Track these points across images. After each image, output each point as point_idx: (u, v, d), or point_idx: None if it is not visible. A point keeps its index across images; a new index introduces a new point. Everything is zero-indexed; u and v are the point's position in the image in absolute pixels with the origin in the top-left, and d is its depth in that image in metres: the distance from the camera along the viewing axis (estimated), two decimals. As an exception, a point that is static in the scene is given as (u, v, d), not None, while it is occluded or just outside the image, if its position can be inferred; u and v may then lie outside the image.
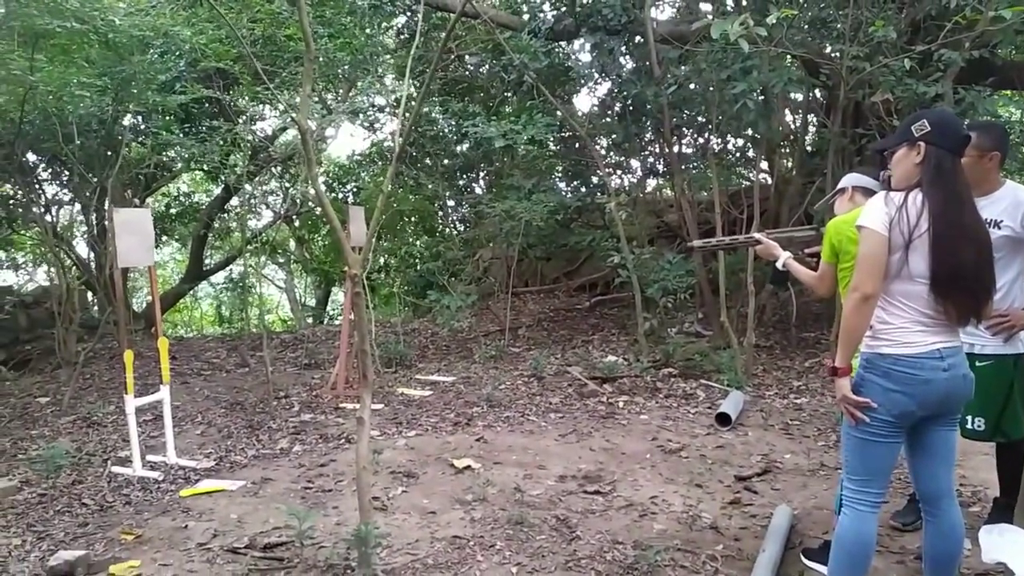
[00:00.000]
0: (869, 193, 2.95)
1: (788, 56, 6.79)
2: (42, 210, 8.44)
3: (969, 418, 3.01)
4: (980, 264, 2.29)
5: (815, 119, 8.65)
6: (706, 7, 8.62)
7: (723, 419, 5.29)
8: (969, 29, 5.40)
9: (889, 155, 2.48)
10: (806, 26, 6.87)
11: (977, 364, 2.87)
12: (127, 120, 7.94)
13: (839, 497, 2.55)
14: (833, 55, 6.94)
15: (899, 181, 2.42)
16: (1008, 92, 7.99)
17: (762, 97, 6.53)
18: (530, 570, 3.15)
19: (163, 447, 4.97)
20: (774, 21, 4.83)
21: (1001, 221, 2.89)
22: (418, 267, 10.79)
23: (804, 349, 7.53)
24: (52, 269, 9.05)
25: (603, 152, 9.51)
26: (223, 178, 9.04)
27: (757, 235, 3.35)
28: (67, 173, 8.64)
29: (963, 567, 2.90)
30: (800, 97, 8.44)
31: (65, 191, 9.32)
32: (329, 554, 3.29)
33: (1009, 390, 2.98)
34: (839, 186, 3.14)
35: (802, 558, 3.11)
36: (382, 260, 10.80)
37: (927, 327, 2.31)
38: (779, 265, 3.20)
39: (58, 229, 9.05)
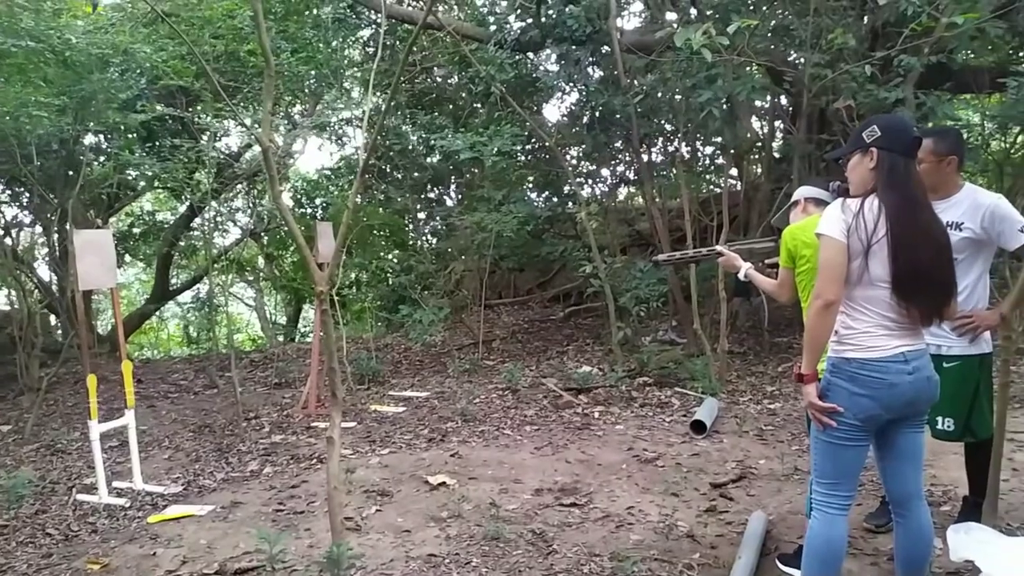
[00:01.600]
0: (821, 203, 3.01)
1: (752, 64, 6.87)
2: (2, 232, 8.26)
3: (939, 419, 3.04)
4: (939, 263, 2.31)
5: (782, 126, 8.76)
6: (671, 16, 8.72)
7: (698, 427, 5.29)
8: (927, 35, 5.51)
9: (844, 163, 2.51)
10: (769, 34, 6.96)
11: (944, 365, 2.90)
12: (88, 139, 7.81)
13: (810, 500, 2.55)
14: (796, 63, 7.04)
15: (856, 188, 2.44)
16: (967, 96, 8.15)
17: (727, 105, 6.60)
18: (506, 587, 3.11)
19: (129, 473, 4.85)
20: (735, 29, 4.88)
21: (962, 223, 2.92)
22: (390, 282, 10.71)
23: (777, 354, 7.59)
24: (13, 293, 8.84)
25: (573, 162, 9.54)
26: (187, 196, 8.91)
27: (719, 248, 3.45)
28: (27, 194, 8.48)
29: (934, 566, 2.91)
30: (767, 104, 8.55)
31: (25, 213, 9.15)
32: (301, 577, 3.22)
33: (976, 390, 3.01)
34: (792, 199, 3.19)
35: (777, 563, 3.11)
36: (353, 275, 10.71)
37: (891, 331, 2.32)
38: (741, 276, 3.27)
39: (19, 251, 8.87)
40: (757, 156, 9.48)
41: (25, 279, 8.46)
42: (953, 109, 6.49)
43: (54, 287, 8.92)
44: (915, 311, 2.31)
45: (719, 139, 8.07)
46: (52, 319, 9.97)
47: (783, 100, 8.36)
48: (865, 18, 6.71)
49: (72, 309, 6.67)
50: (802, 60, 6.63)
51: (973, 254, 2.96)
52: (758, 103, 8.29)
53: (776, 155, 8.80)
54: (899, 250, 2.26)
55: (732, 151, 8.37)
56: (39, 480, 4.96)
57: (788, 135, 7.95)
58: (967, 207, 2.94)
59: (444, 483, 4.46)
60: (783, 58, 7.18)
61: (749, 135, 8.95)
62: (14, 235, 8.99)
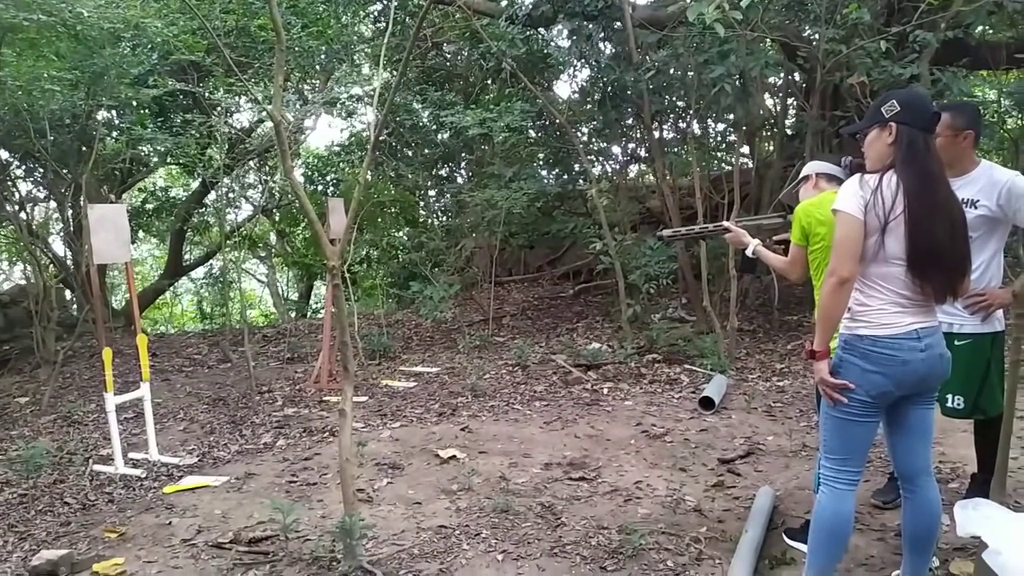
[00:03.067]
0: (833, 179, 2.97)
1: (766, 39, 6.80)
2: (17, 208, 8.32)
3: (949, 396, 3.06)
4: (956, 241, 2.30)
5: (795, 102, 8.68)
6: (684, -9, 8.61)
7: (707, 403, 5.32)
8: (943, 10, 5.43)
9: (861, 138, 2.49)
10: (783, 9, 6.88)
11: (956, 343, 2.90)
12: (101, 115, 7.83)
13: (818, 476, 2.57)
14: (811, 38, 6.96)
15: (873, 163, 2.42)
16: (983, 72, 8.05)
17: (740, 81, 6.54)
18: (515, 557, 3.16)
19: (145, 444, 4.93)
20: (748, 3, 4.83)
21: (977, 201, 2.91)
22: (400, 258, 10.74)
23: (787, 332, 7.58)
24: (28, 267, 8.94)
25: (584, 139, 9.49)
26: (199, 172, 8.95)
27: (726, 223, 3.37)
28: (41, 170, 8.52)
29: (941, 542, 2.94)
30: (779, 81, 8.46)
31: (39, 188, 9.20)
32: (314, 547, 3.28)
33: (987, 368, 3.02)
34: (802, 174, 3.15)
35: (784, 538, 3.14)
36: (364, 252, 10.74)
37: (904, 308, 2.32)
38: (749, 252, 3.21)
39: (33, 226, 8.93)
40: (769, 133, 9.39)
41: (40, 254, 8.52)
42: (969, 86, 6.41)
43: (69, 262, 8.99)
44: (929, 288, 2.30)
45: (731, 116, 8.00)
46: (67, 293, 10.06)
47: (796, 76, 8.27)
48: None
49: (87, 283, 6.73)
50: (816, 35, 6.55)
51: (988, 232, 2.94)
52: (771, 79, 8.21)
53: (788, 132, 8.72)
54: (916, 228, 2.24)
55: (744, 128, 8.30)
56: (56, 451, 5.04)
57: (801, 112, 7.87)
58: (983, 184, 2.92)
59: (454, 457, 4.51)
60: (797, 33, 7.10)
61: (761, 112, 8.87)
62: (29, 210, 9.05)
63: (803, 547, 2.87)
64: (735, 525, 3.34)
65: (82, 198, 7.60)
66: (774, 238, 3.28)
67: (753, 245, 3.20)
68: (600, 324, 8.71)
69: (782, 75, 8.11)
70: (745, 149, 9.37)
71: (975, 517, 2.55)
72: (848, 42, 6.00)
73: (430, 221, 11.40)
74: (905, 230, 2.25)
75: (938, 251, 2.27)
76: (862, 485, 2.99)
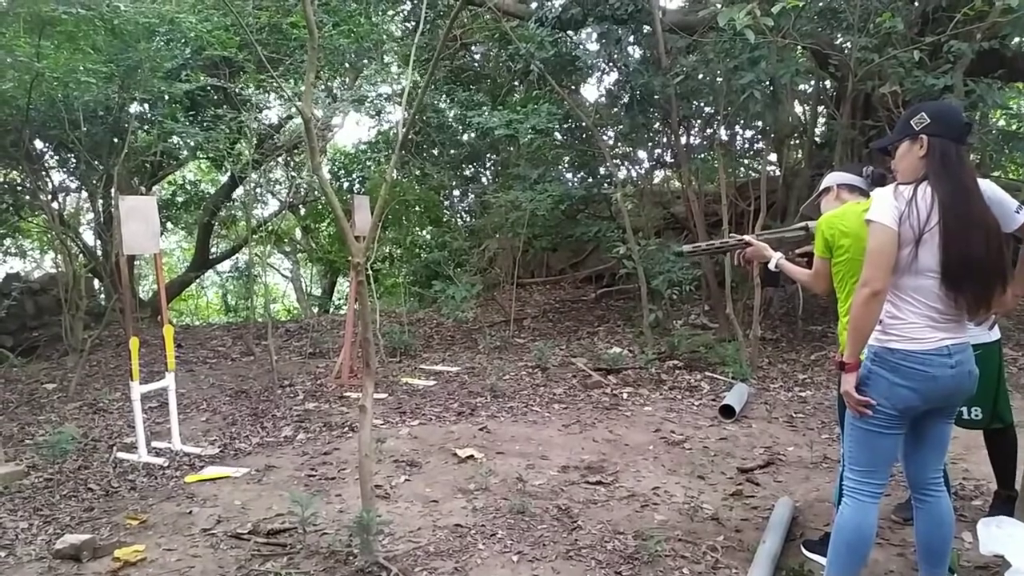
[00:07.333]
0: (855, 190, 2.93)
1: (797, 47, 6.74)
2: (49, 197, 8.46)
3: (965, 409, 3.08)
4: (991, 253, 2.26)
5: (825, 111, 8.60)
6: (715, -4, 8.57)
7: (727, 411, 5.29)
8: (979, 20, 5.36)
9: (892, 151, 2.46)
10: (815, 16, 6.82)
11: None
12: (133, 108, 7.95)
13: (838, 489, 2.54)
14: (843, 46, 6.89)
15: (904, 175, 2.39)
16: (1019, 85, 7.91)
17: (770, 88, 6.49)
18: (531, 559, 3.16)
19: (168, 434, 5.00)
20: (779, 10, 4.79)
21: None
22: (423, 257, 10.79)
23: (810, 342, 7.51)
24: (59, 256, 9.09)
25: (610, 143, 9.47)
26: (228, 166, 9.05)
27: (747, 237, 3.29)
28: (74, 160, 8.66)
29: (963, 560, 2.90)
30: (810, 88, 8.38)
31: (72, 178, 9.35)
32: (331, 541, 3.30)
33: (998, 376, 3.06)
34: (823, 185, 3.10)
35: (802, 550, 3.11)
36: (387, 250, 10.80)
37: (937, 323, 2.29)
38: (771, 266, 3.14)
39: (65, 216, 9.08)
40: (798, 141, 9.32)
41: (71, 243, 8.66)
42: (1003, 98, 6.30)
43: (98, 252, 9.13)
44: (963, 301, 2.27)
45: (760, 123, 7.96)
46: (96, 283, 10.22)
47: (827, 84, 8.20)
48: (915, 1, 6.53)
49: (117, 273, 6.84)
50: (848, 44, 6.48)
51: None
52: (801, 87, 8.14)
53: (818, 140, 8.64)
54: (951, 240, 2.22)
55: (772, 135, 8.25)
56: (82, 437, 5.14)
57: (831, 120, 7.79)
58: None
59: (472, 456, 4.52)
60: (829, 41, 7.03)
61: (791, 119, 8.80)
62: (61, 200, 9.20)
63: (821, 560, 2.84)
64: (753, 535, 3.31)
65: (113, 189, 7.72)
66: (797, 251, 3.22)
67: (775, 259, 3.14)
68: (621, 329, 8.68)
69: (812, 83, 8.04)
70: (773, 157, 9.31)
71: (998, 535, 2.52)
72: (881, 51, 5.93)
73: (454, 221, 11.44)
74: (940, 242, 2.23)
75: (972, 263, 2.24)
76: (883, 500, 2.96)
